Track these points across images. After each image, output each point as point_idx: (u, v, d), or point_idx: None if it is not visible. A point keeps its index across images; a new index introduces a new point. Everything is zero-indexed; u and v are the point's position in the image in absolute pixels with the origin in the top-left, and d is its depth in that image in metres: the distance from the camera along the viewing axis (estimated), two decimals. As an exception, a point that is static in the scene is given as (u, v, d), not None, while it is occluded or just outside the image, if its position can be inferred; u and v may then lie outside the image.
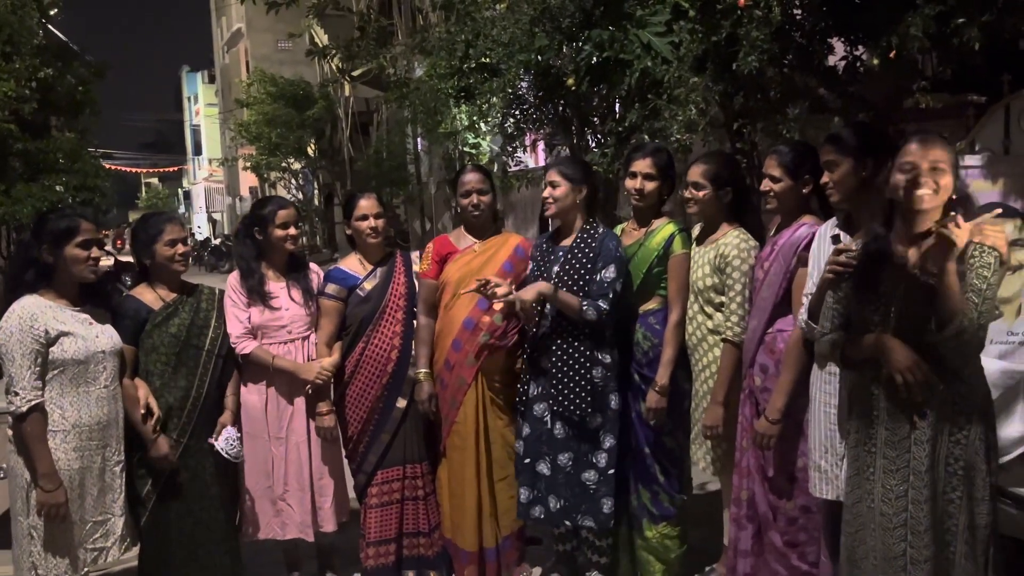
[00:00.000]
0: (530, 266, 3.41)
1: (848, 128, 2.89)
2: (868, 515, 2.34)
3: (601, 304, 3.17)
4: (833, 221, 2.82)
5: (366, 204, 3.49)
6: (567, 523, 3.32)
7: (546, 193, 3.33)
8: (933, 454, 2.23)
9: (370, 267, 3.52)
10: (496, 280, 3.12)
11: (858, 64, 3.64)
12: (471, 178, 3.48)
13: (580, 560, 3.50)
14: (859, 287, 2.34)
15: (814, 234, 2.89)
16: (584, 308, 3.16)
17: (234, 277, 3.42)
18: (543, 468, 3.31)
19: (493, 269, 3.40)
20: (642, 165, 3.33)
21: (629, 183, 3.37)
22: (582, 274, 3.23)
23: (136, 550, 3.19)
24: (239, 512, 3.43)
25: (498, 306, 3.23)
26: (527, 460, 3.34)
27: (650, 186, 3.32)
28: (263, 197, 3.78)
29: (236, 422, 3.31)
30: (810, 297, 2.72)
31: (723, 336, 3.15)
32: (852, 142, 2.72)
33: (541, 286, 3.16)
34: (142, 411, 3.05)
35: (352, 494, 3.62)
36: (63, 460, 2.83)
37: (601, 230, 3.32)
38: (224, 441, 3.18)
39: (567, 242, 3.33)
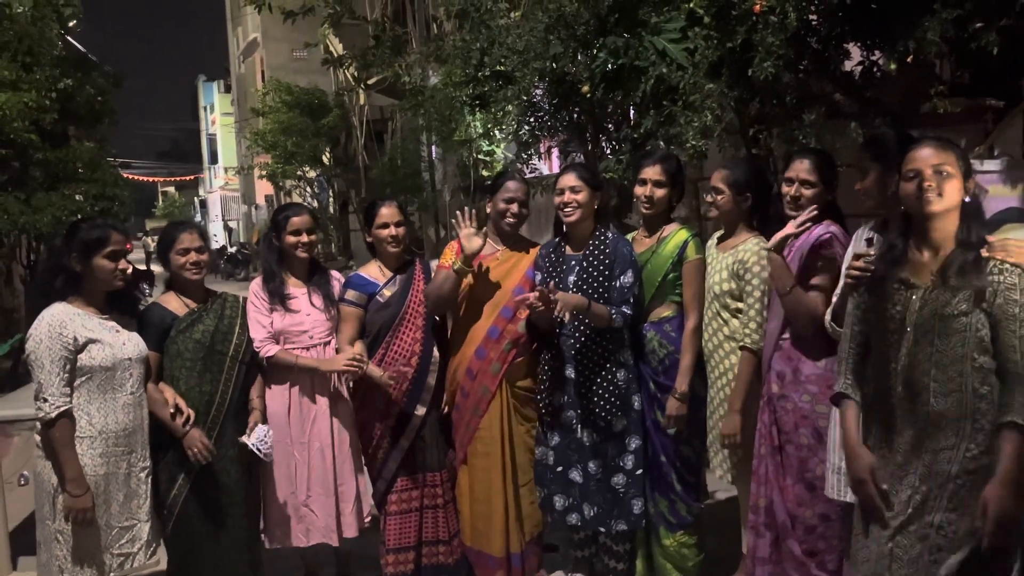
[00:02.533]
0: (538, 276, 3.40)
1: (882, 135, 2.87)
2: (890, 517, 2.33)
3: (625, 309, 3.20)
4: (869, 225, 2.80)
5: (387, 212, 3.51)
6: (602, 529, 3.32)
7: (567, 198, 3.30)
8: (945, 465, 2.19)
9: (390, 274, 3.54)
10: (534, 298, 3.10)
11: (875, 69, 3.62)
12: (516, 186, 3.46)
13: (598, 567, 3.49)
14: (874, 294, 2.33)
15: (831, 233, 2.88)
16: (614, 315, 3.17)
17: (256, 283, 3.47)
18: (575, 476, 3.31)
19: (516, 277, 3.42)
20: (652, 172, 3.33)
21: (639, 190, 3.38)
22: (601, 281, 3.24)
23: (159, 555, 3.21)
24: (262, 519, 3.45)
25: (523, 313, 3.24)
26: (559, 468, 3.34)
27: (660, 193, 3.33)
28: (284, 204, 3.82)
29: (266, 421, 3.33)
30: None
31: (741, 343, 3.14)
32: (886, 149, 2.69)
33: (577, 300, 3.13)
34: (171, 410, 3.06)
35: (371, 501, 3.63)
36: (90, 466, 2.87)
37: (612, 235, 3.33)
38: (257, 439, 3.19)
39: (579, 250, 3.33)
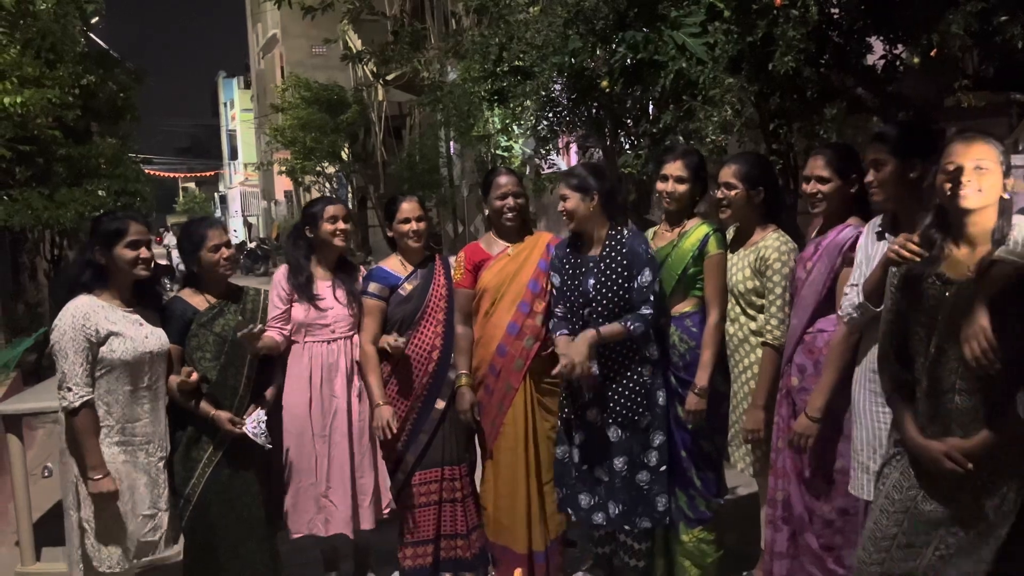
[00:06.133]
0: (556, 279, 3.37)
1: (895, 126, 2.83)
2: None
3: (644, 311, 3.16)
4: (879, 219, 2.77)
5: (408, 207, 3.53)
6: (627, 527, 3.31)
7: (560, 207, 3.31)
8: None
9: (411, 268, 3.55)
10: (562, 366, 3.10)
11: (898, 63, 3.60)
12: (506, 180, 3.48)
13: (616, 563, 3.49)
14: (909, 290, 2.28)
15: (860, 234, 2.85)
16: (631, 327, 3.14)
17: (281, 272, 3.49)
18: (601, 474, 3.29)
19: (528, 271, 3.42)
20: (673, 168, 3.31)
21: (660, 186, 3.36)
22: (620, 283, 3.21)
23: (178, 547, 3.24)
24: (285, 509, 3.47)
25: (540, 307, 3.27)
26: (585, 466, 3.32)
27: (681, 188, 3.31)
28: (315, 198, 3.83)
29: (274, 413, 3.33)
30: (856, 288, 2.67)
31: (764, 340, 3.12)
32: (900, 141, 2.65)
33: (589, 338, 3.11)
34: (183, 378, 3.04)
35: (390, 495, 3.64)
36: (109, 455, 2.91)
37: (627, 234, 3.28)
38: (249, 425, 3.15)
39: (595, 252, 3.30)
